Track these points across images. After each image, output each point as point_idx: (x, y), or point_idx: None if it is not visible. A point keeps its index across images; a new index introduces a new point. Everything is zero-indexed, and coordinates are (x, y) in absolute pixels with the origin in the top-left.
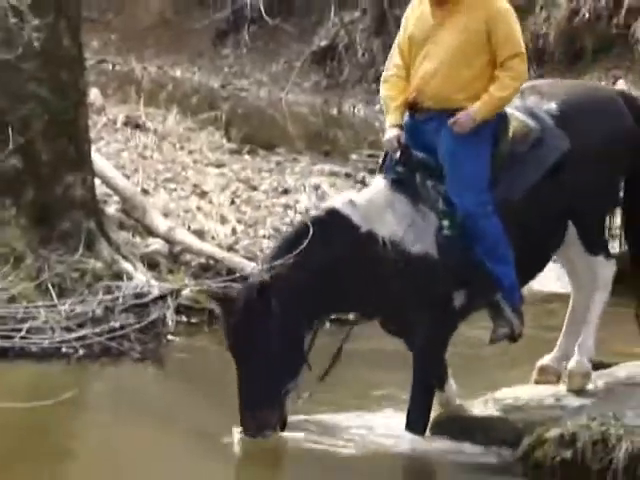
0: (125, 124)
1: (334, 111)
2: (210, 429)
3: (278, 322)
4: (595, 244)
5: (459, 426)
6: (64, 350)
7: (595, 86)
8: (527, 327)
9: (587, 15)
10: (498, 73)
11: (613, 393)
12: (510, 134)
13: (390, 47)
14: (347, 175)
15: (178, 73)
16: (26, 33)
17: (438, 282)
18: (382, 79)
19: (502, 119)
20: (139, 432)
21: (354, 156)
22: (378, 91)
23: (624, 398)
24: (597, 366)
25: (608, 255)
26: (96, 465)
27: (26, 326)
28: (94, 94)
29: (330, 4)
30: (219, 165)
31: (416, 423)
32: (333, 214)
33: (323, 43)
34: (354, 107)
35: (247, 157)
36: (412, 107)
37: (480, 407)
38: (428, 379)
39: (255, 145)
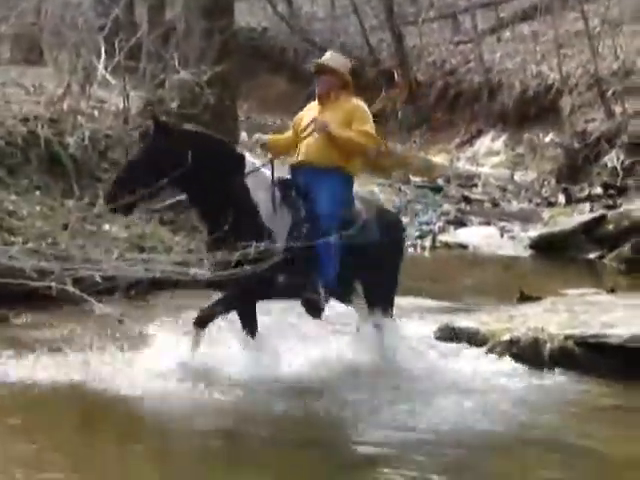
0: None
1: None
2: None
3: None
4: None
5: (455, 335)
6: None
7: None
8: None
9: (532, 93)
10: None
11: (541, 314)
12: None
13: None
14: None
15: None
16: (204, 97)
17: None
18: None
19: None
20: None
21: None
22: None
23: (546, 317)
24: (534, 298)
25: None
26: None
27: None
28: (242, 135)
29: None
30: None
31: None
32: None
33: None
34: None
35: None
36: (297, 164)
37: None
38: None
39: None
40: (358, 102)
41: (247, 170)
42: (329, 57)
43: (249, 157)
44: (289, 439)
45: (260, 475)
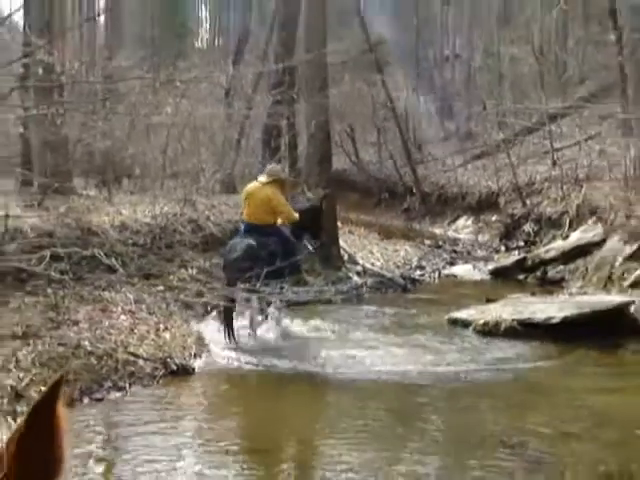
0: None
1: None
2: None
3: None
4: None
5: (455, 320)
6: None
7: None
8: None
9: (484, 196)
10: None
11: (498, 309)
12: None
13: None
14: None
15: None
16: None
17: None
18: None
19: None
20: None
21: None
22: None
23: (501, 309)
24: (493, 300)
25: None
26: None
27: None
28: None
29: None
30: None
31: None
32: None
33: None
34: None
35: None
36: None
37: (460, 314)
38: None
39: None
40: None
41: None
42: (269, 170)
43: None
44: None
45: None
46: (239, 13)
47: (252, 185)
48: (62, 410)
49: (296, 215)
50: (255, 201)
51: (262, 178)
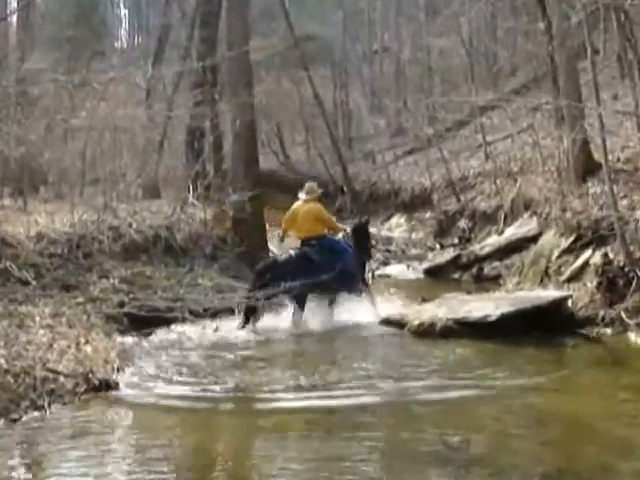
0: None
1: None
2: None
3: None
4: None
5: (389, 321)
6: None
7: None
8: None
9: (417, 192)
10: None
11: (433, 308)
12: None
13: None
14: None
15: None
16: (248, 208)
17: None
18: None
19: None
20: None
21: None
22: None
23: (436, 309)
24: (428, 300)
25: None
26: None
27: None
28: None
29: None
30: None
31: None
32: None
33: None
34: None
35: None
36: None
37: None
38: None
39: None
40: (316, 205)
41: None
42: (307, 188)
43: None
44: None
45: None
46: (159, 10)
47: (296, 204)
48: None
49: (339, 225)
50: (302, 215)
51: (303, 195)
